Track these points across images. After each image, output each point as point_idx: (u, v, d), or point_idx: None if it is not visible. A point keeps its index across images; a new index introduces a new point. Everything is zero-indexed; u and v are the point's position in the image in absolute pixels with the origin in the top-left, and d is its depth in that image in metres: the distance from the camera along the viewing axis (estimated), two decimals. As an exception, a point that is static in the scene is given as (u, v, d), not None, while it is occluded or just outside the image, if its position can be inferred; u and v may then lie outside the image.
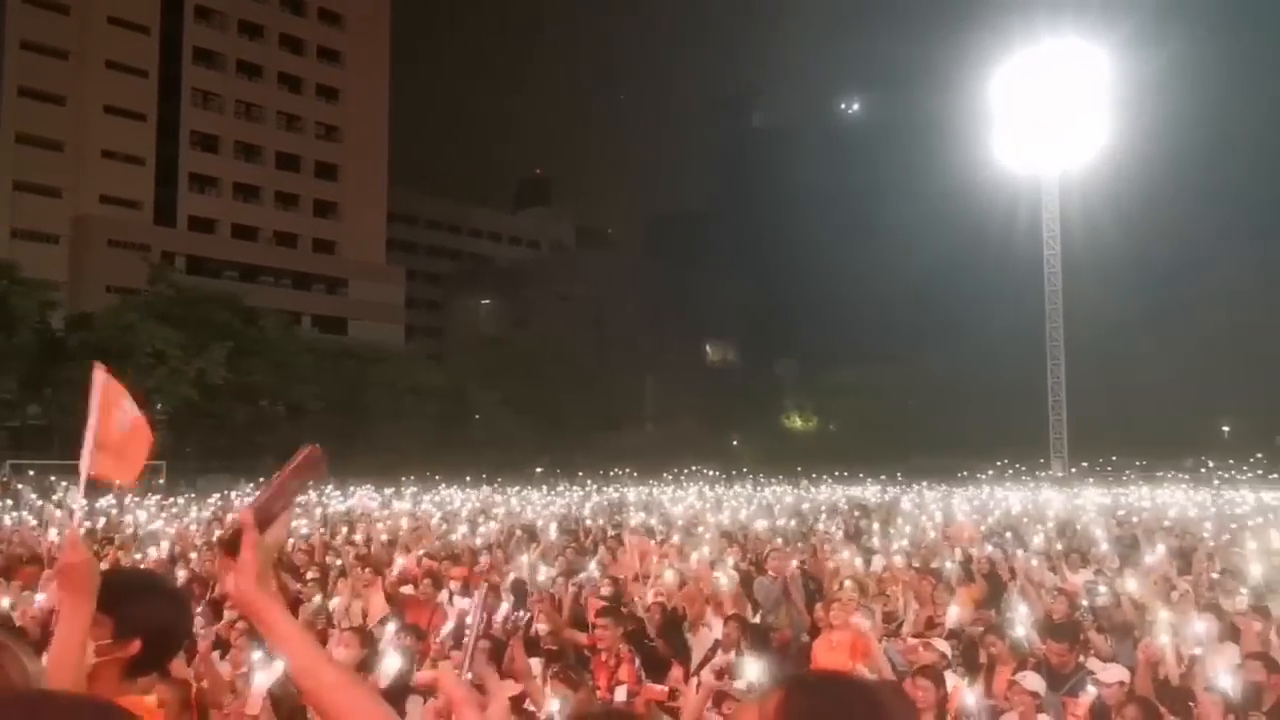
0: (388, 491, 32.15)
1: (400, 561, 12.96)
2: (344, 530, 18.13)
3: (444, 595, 11.31)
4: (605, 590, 11.26)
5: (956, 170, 70.96)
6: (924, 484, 44.43)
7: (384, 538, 16.14)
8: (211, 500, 26.62)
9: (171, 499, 26.55)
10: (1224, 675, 6.51)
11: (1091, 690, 5.92)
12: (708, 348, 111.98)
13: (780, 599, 10.90)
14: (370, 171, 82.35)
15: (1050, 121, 57.07)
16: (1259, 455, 69.12)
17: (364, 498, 28.92)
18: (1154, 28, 65.25)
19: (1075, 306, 60.66)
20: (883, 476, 50.80)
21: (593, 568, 12.21)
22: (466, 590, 11.41)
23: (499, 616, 9.17)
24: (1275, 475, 56.07)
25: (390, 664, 6.84)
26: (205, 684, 6.08)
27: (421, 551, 14.06)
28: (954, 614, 9.42)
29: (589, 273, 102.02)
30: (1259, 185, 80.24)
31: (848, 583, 9.86)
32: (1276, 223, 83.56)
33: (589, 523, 20.81)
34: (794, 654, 9.87)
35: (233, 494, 29.17)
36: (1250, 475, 58.03)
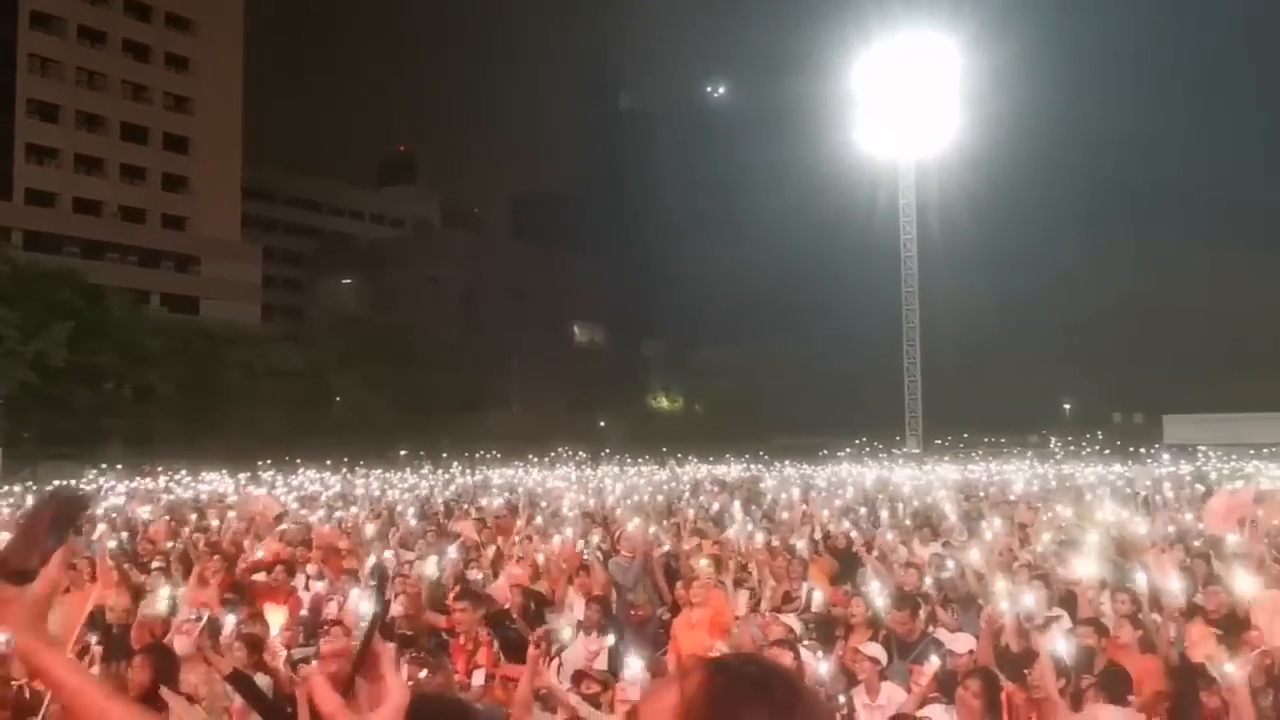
0: (242, 476, 31.09)
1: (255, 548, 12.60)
2: (194, 518, 17.44)
3: (300, 581, 11.04)
4: (468, 573, 11.18)
5: (818, 155, 72.61)
6: (786, 462, 45.42)
7: (236, 524, 15.56)
8: (53, 487, 25.25)
9: (7, 487, 25.10)
10: (1058, 641, 6.81)
11: (935, 660, 6.12)
12: (575, 329, 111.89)
13: (640, 578, 10.96)
14: (224, 145, 79.11)
15: (906, 110, 58.84)
16: (1097, 431, 73.10)
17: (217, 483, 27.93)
18: (999, 23, 67.82)
19: (930, 290, 62.88)
20: (746, 456, 51.65)
21: (453, 551, 12.03)
22: (323, 577, 11.16)
23: (351, 602, 8.93)
24: (1111, 450, 59.31)
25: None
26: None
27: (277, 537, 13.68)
28: (818, 598, 9.60)
29: (455, 253, 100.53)
30: (1099, 174, 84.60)
31: (704, 561, 9.96)
32: (1114, 210, 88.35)
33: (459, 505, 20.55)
34: (652, 632, 9.93)
35: (76, 481, 27.78)
36: (1089, 450, 61.25)
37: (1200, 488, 21.24)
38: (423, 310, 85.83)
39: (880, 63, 59.86)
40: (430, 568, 10.39)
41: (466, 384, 74.57)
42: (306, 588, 10.85)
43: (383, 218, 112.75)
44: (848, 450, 59.72)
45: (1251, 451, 52.69)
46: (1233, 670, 5.24)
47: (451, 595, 9.50)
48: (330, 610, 9.50)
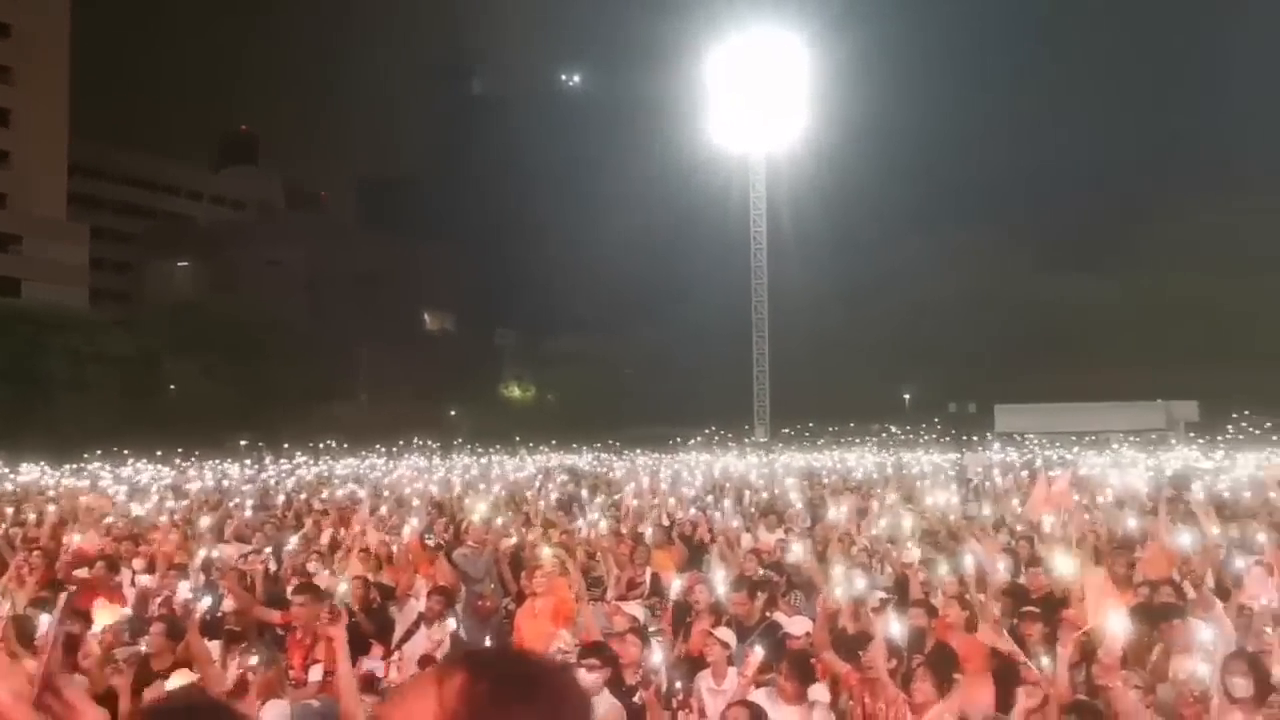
0: (67, 468, 29.44)
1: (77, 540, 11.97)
2: (10, 511, 16.40)
3: (126, 577, 10.55)
4: (309, 566, 10.85)
5: (672, 147, 73.32)
6: (637, 451, 45.81)
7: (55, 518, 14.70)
8: None
9: None
10: (892, 622, 7.04)
11: (759, 651, 6.26)
12: (425, 317, 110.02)
13: (489, 568, 10.85)
14: (48, 118, 74.42)
15: (757, 105, 60.01)
16: (934, 420, 76.26)
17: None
18: (841, 23, 69.76)
19: (778, 281, 64.24)
20: (598, 445, 51.85)
21: (294, 543, 11.66)
22: (151, 571, 10.69)
23: (180, 597, 8.53)
24: (946, 439, 61.95)
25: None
26: None
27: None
28: (676, 585, 9.65)
29: (299, 236, 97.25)
30: (936, 169, 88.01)
31: (547, 550, 9.91)
32: (951, 206, 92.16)
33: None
34: (497, 623, 9.84)
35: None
36: (926, 438, 63.85)
37: (1026, 474, 22.33)
38: (264, 296, 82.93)
39: (732, 58, 60.85)
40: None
41: (310, 373, 72.50)
42: (134, 584, 10.38)
43: (222, 199, 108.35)
44: (698, 439, 60.62)
45: (1074, 439, 55.92)
46: (1059, 656, 5.48)
47: (290, 589, 9.19)
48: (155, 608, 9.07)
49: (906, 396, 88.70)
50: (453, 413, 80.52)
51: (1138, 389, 69.59)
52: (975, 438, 60.19)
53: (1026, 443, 53.35)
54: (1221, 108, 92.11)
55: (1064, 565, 8.35)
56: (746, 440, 59.45)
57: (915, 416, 78.54)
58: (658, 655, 6.23)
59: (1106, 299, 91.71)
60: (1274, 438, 57.62)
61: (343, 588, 9.05)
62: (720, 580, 8.89)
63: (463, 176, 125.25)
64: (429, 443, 52.49)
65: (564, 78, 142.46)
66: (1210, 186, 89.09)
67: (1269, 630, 6.90)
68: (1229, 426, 65.04)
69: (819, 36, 63.32)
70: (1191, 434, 62.10)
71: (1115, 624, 5.77)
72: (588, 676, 6.09)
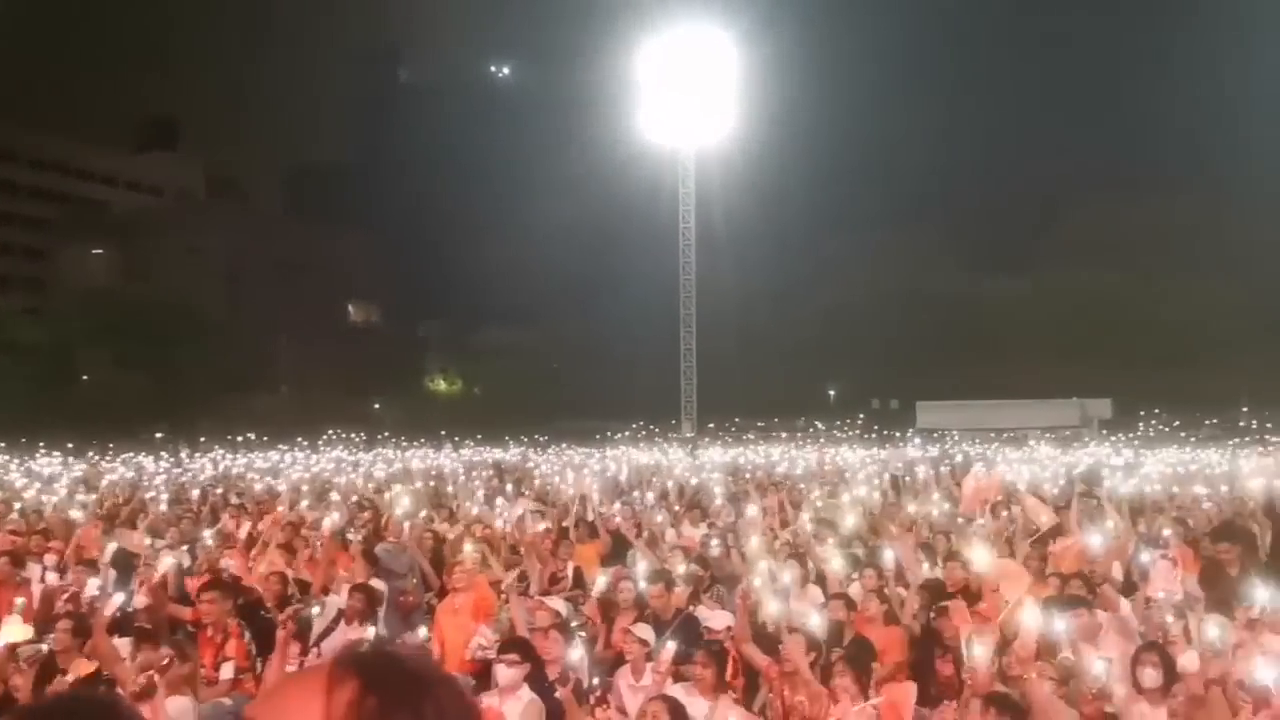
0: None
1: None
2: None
3: (36, 572, 10.21)
4: (222, 562, 10.62)
5: (602, 141, 73.11)
6: (565, 445, 45.69)
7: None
8: None
9: None
10: (811, 616, 7.11)
11: (671, 645, 6.28)
12: (349, 308, 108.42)
13: (411, 564, 10.71)
14: (-47, 97, 71.88)
15: (687, 100, 60.18)
16: (858, 416, 77.40)
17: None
18: (770, 21, 70.19)
19: (707, 277, 64.55)
20: (524, 439, 51.62)
21: (207, 538, 11.40)
22: (64, 568, 10.38)
23: (88, 593, 8.28)
24: (869, 435, 62.90)
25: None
26: None
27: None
28: (602, 581, 9.61)
29: (220, 224, 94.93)
30: (862, 168, 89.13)
31: (468, 546, 9.82)
32: (877, 205, 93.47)
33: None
34: (419, 619, 9.72)
35: None
36: (849, 434, 64.78)
37: (945, 470, 22.71)
38: (183, 285, 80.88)
39: (662, 53, 60.92)
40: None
41: (229, 364, 70.99)
42: (43, 579, 10.05)
43: (139, 185, 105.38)
44: (625, 433, 60.71)
45: (993, 435, 57.17)
46: (980, 649, 5.57)
47: (200, 585, 8.99)
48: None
49: (831, 393, 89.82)
50: (376, 406, 79.56)
51: (1055, 387, 71.30)
52: (897, 434, 61.17)
53: (946, 439, 54.40)
54: (1136, 111, 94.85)
55: (979, 559, 8.51)
56: (673, 435, 59.68)
57: (840, 413, 79.62)
58: (577, 652, 6.21)
59: (1026, 299, 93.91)
60: (1183, 435, 59.62)
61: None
62: (643, 575, 8.90)
63: (390, 165, 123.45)
64: (352, 436, 51.78)
65: (494, 69, 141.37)
66: (1126, 189, 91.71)
67: (1170, 619, 7.11)
68: (1140, 424, 67.17)
69: (749, 34, 63.76)
70: (1105, 431, 63.80)
71: (1029, 617, 5.90)
72: (508, 671, 6.05)
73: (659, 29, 61.40)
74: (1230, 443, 50.68)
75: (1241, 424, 67.51)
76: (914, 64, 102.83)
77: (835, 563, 9.56)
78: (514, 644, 6.46)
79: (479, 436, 53.86)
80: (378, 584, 9.55)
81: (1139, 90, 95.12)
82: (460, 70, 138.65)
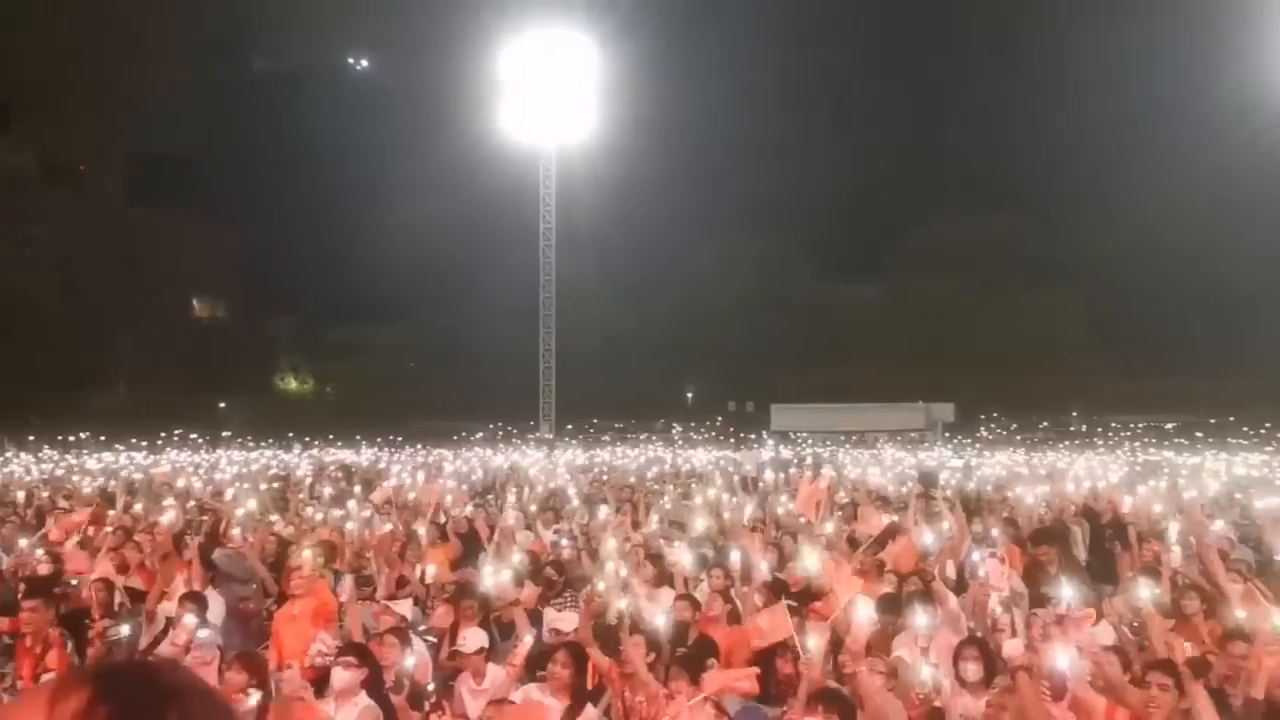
0: None
1: None
2: None
3: None
4: (43, 568, 10.08)
5: (462, 136, 71.95)
6: (420, 446, 44.93)
7: None
8: None
9: None
10: (658, 616, 7.18)
11: (527, 640, 6.26)
12: (194, 302, 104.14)
13: (252, 570, 10.37)
14: None
15: (549, 100, 60.12)
16: (715, 418, 78.53)
17: None
18: (633, 24, 70.37)
19: (567, 277, 64.57)
20: (379, 440, 50.56)
21: (23, 544, 10.79)
22: None
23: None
24: (724, 437, 63.89)
25: None
26: None
27: None
28: (430, 572, 9.49)
29: (54, 213, 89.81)
30: (724, 176, 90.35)
31: (306, 551, 9.57)
32: (735, 210, 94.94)
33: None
34: (258, 626, 9.42)
35: None
36: (706, 437, 65.67)
37: (795, 472, 23.27)
38: (13, 276, 76.26)
39: (524, 53, 60.69)
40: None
41: (63, 359, 67.30)
42: None
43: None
44: (483, 434, 60.08)
45: (843, 438, 58.91)
46: (812, 645, 5.73)
47: (20, 593, 8.51)
48: None
49: (689, 395, 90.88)
50: (222, 405, 76.63)
51: (903, 391, 73.74)
52: (752, 436, 62.31)
53: (799, 441, 55.74)
54: (984, 129, 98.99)
55: (816, 559, 8.76)
56: (532, 435, 59.41)
57: (697, 414, 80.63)
58: (410, 658, 6.12)
59: (876, 305, 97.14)
60: (1019, 438, 62.62)
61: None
62: (491, 577, 8.84)
63: (240, 155, 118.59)
64: (194, 436, 49.75)
65: (352, 60, 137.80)
66: (972, 204, 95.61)
67: (998, 609, 7.45)
68: (980, 428, 70.26)
69: (611, 37, 63.94)
70: (947, 434, 66.35)
71: (860, 613, 6.10)
72: (344, 675, 5.92)
73: (522, 27, 61.15)
74: (1062, 445, 53.57)
75: (1072, 428, 71.38)
76: (775, 71, 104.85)
77: (685, 563, 9.69)
78: (351, 648, 6.34)
79: (330, 437, 52.45)
80: (215, 592, 9.23)
81: (987, 109, 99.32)
82: (317, 60, 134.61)
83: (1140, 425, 69.17)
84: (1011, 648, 6.31)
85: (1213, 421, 66.66)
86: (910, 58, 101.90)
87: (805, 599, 8.51)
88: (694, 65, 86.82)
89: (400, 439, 50.79)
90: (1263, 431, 60.35)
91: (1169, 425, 68.10)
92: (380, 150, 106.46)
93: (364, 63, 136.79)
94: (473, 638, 6.80)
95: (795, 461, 31.11)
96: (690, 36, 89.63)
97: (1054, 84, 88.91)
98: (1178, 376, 75.14)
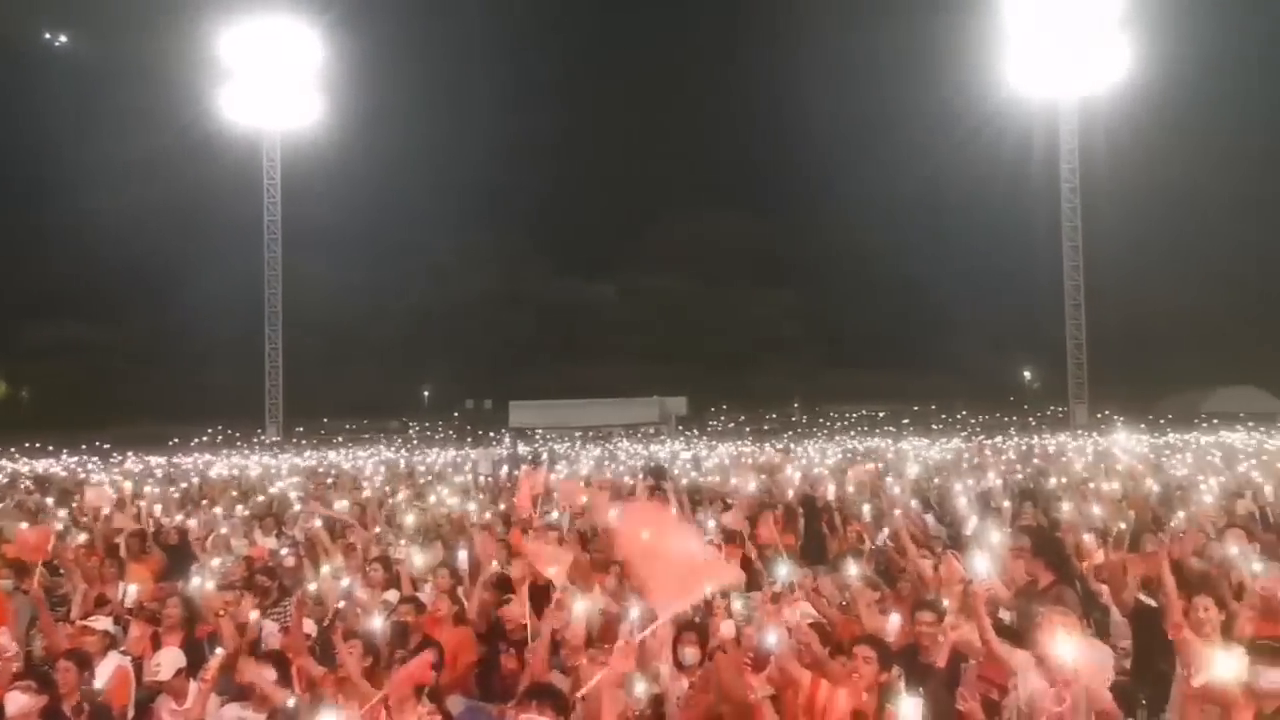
0: None
1: None
2: None
3: None
4: None
5: (179, 122, 67.12)
6: (130, 454, 41.84)
7: None
8: None
9: None
10: (375, 620, 6.99)
11: (217, 652, 5.94)
12: None
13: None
14: None
15: (274, 87, 57.50)
16: (453, 416, 77.66)
17: None
18: (357, 18, 67.91)
19: (294, 273, 61.86)
20: (83, 447, 46.61)
21: None
22: None
23: None
24: (462, 435, 63.32)
25: None
26: None
27: None
28: (131, 591, 8.79)
29: None
30: (461, 173, 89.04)
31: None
32: (472, 208, 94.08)
33: None
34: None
35: None
36: (443, 435, 64.86)
37: (528, 468, 23.32)
38: None
39: (246, 37, 57.67)
40: None
41: None
42: None
43: None
44: (203, 439, 56.61)
45: (578, 433, 59.71)
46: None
47: None
48: None
49: (426, 393, 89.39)
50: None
51: (639, 386, 75.56)
52: (491, 434, 62.07)
53: (537, 437, 56.00)
54: (715, 127, 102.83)
55: (546, 555, 8.78)
56: (257, 439, 56.60)
57: (434, 413, 79.39)
58: (98, 681, 5.65)
59: (612, 302, 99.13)
60: (747, 430, 65.71)
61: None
62: (198, 589, 8.31)
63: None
64: None
65: (49, 35, 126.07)
66: (704, 201, 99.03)
67: (710, 590, 7.72)
68: (711, 421, 73.23)
69: (338, 29, 61.30)
70: (680, 427, 68.63)
71: (578, 606, 6.16)
72: (21, 699, 5.42)
73: (242, 10, 57.92)
74: (785, 435, 56.67)
75: (794, 419, 75.66)
76: (513, 68, 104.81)
77: (415, 563, 9.50)
78: (30, 673, 5.79)
79: (25, 445, 47.77)
80: None
81: (719, 110, 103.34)
82: (8, 33, 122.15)
83: (854, 415, 74.31)
84: (725, 629, 6.56)
85: (916, 409, 72.48)
86: (645, 57, 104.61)
87: (535, 594, 8.49)
88: (429, 61, 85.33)
89: (107, 445, 47.02)
90: (959, 418, 66.45)
91: (880, 414, 73.46)
92: (82, 133, 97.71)
93: (63, 38, 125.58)
94: (168, 660, 6.34)
95: (530, 458, 31.27)
96: (424, 32, 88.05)
97: (781, 89, 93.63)
98: (887, 369, 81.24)
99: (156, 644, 7.57)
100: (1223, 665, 4.96)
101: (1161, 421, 53.04)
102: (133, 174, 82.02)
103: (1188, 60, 61.73)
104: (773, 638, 5.07)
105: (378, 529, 12.86)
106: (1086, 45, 52.84)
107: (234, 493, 20.48)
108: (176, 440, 52.91)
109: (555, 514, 13.18)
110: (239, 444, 53.19)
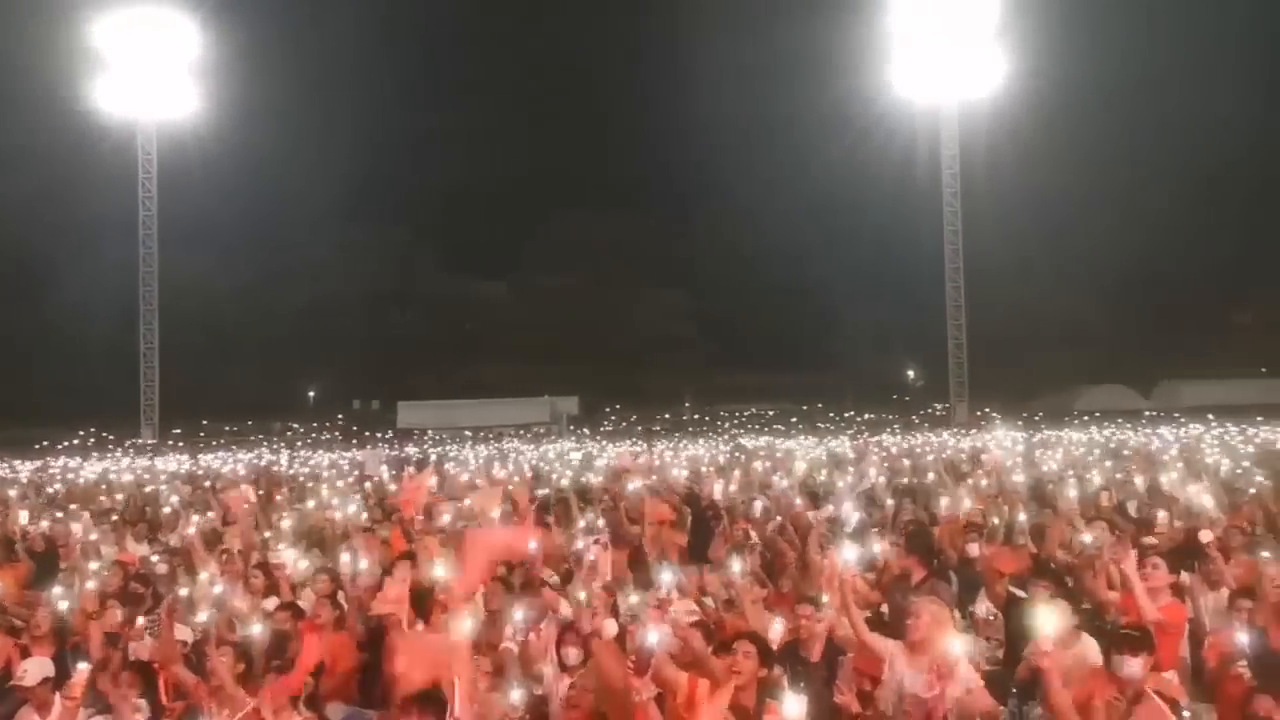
0: None
1: None
2: None
3: None
4: None
5: (44, 111, 63.85)
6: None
7: None
8: None
9: None
10: (253, 628, 6.84)
11: (82, 667, 5.76)
12: None
13: None
14: None
15: (148, 76, 55.42)
16: (338, 417, 76.18)
17: None
18: (239, 9, 65.77)
19: (171, 270, 59.73)
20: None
21: None
22: None
23: None
24: (348, 435, 62.08)
25: None
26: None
27: None
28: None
29: None
30: (347, 169, 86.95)
31: None
32: (358, 205, 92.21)
33: None
34: None
35: None
36: (328, 436, 63.48)
37: (413, 470, 23.07)
38: None
39: (118, 24, 55.37)
40: None
41: None
42: None
43: None
44: (72, 442, 54.28)
45: (468, 434, 59.17)
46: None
47: None
48: None
49: (311, 393, 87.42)
50: None
51: (530, 386, 75.13)
52: (378, 434, 61.05)
53: (426, 438, 55.30)
54: (608, 126, 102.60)
55: (429, 556, 8.72)
56: (131, 442, 54.49)
57: (319, 414, 77.68)
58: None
59: (503, 301, 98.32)
60: (639, 429, 66.00)
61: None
62: (60, 598, 8.00)
63: None
64: None
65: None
66: (595, 200, 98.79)
67: (595, 586, 7.76)
68: (603, 420, 73.35)
69: (216, 20, 59.11)
70: (572, 427, 68.57)
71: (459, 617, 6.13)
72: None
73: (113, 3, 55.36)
74: (676, 434, 57.07)
75: (685, 418, 76.30)
76: (400, 65, 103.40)
77: (298, 569, 9.32)
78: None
79: None
80: None
81: (612, 109, 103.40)
82: None
83: (744, 414, 75.34)
84: (609, 628, 6.60)
85: (804, 408, 73.89)
86: (535, 56, 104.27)
87: (420, 598, 8.39)
88: (313, 52, 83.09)
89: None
90: (846, 416, 67.99)
91: (770, 413, 74.65)
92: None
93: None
94: (34, 668, 6.09)
95: (416, 459, 30.89)
96: (308, 21, 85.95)
97: (675, 90, 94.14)
98: (776, 369, 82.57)
99: (24, 654, 7.27)
100: (1043, 619, 5.14)
101: (1036, 419, 55.05)
102: (1, 166, 77.95)
103: (1062, 68, 64.47)
104: (654, 637, 5.12)
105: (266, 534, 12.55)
106: (966, 52, 54.52)
107: (102, 498, 19.78)
108: (45, 443, 50.60)
109: (446, 517, 13.04)
110: (111, 447, 51.18)
